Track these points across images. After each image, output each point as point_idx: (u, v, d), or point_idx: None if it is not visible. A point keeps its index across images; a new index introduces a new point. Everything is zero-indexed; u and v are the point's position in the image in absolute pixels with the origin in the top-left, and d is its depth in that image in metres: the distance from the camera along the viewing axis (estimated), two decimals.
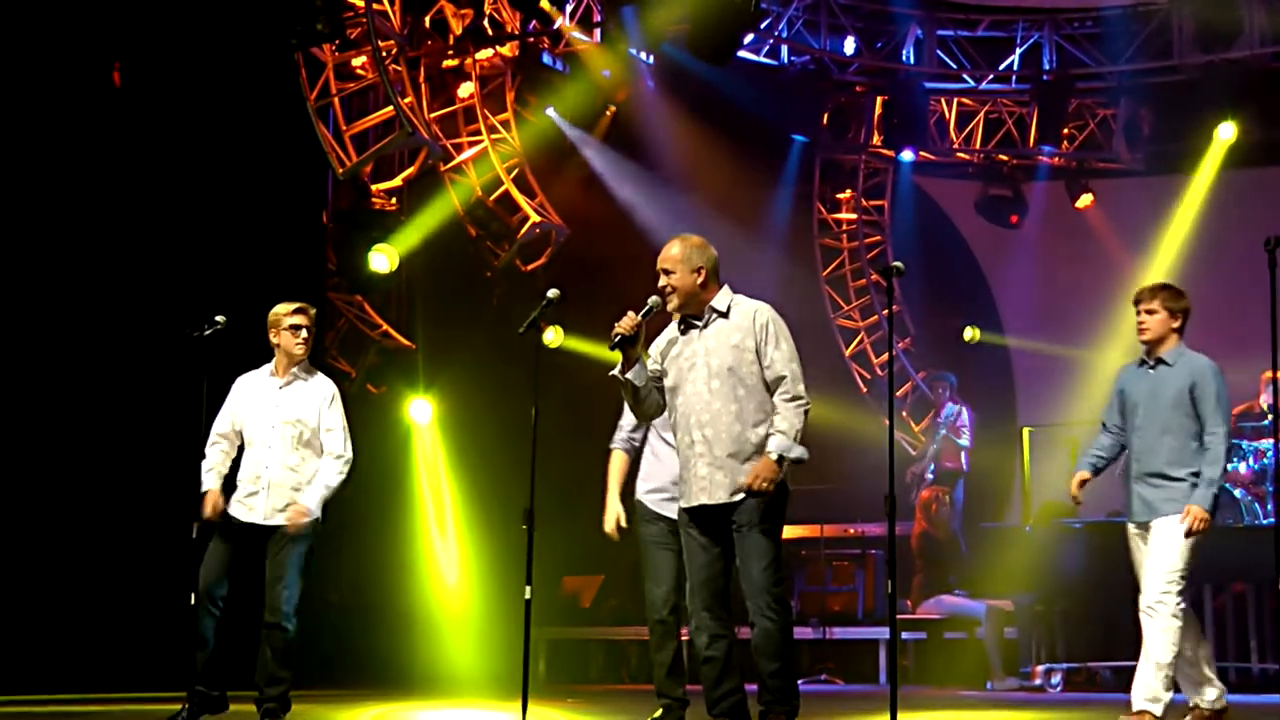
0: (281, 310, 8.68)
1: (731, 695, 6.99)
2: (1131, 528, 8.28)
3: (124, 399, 12.53)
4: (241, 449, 8.72)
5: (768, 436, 6.91)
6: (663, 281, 7.07)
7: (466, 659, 14.69)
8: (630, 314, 7.01)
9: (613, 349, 7.03)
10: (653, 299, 7.12)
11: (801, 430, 6.89)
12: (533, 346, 8.36)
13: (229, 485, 8.66)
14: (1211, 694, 8.24)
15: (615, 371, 7.13)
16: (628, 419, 8.24)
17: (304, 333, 8.64)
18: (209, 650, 8.49)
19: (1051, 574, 13.11)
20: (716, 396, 6.94)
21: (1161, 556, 7.97)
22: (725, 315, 7.06)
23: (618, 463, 8.34)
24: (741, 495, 6.87)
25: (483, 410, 14.87)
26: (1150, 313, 8.18)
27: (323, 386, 8.74)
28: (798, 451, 6.86)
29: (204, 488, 8.65)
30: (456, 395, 15.18)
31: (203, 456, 8.74)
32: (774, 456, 6.83)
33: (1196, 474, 7.98)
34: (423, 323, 15.27)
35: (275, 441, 8.58)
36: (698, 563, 7.04)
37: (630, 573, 9.22)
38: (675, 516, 7.91)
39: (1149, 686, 7.89)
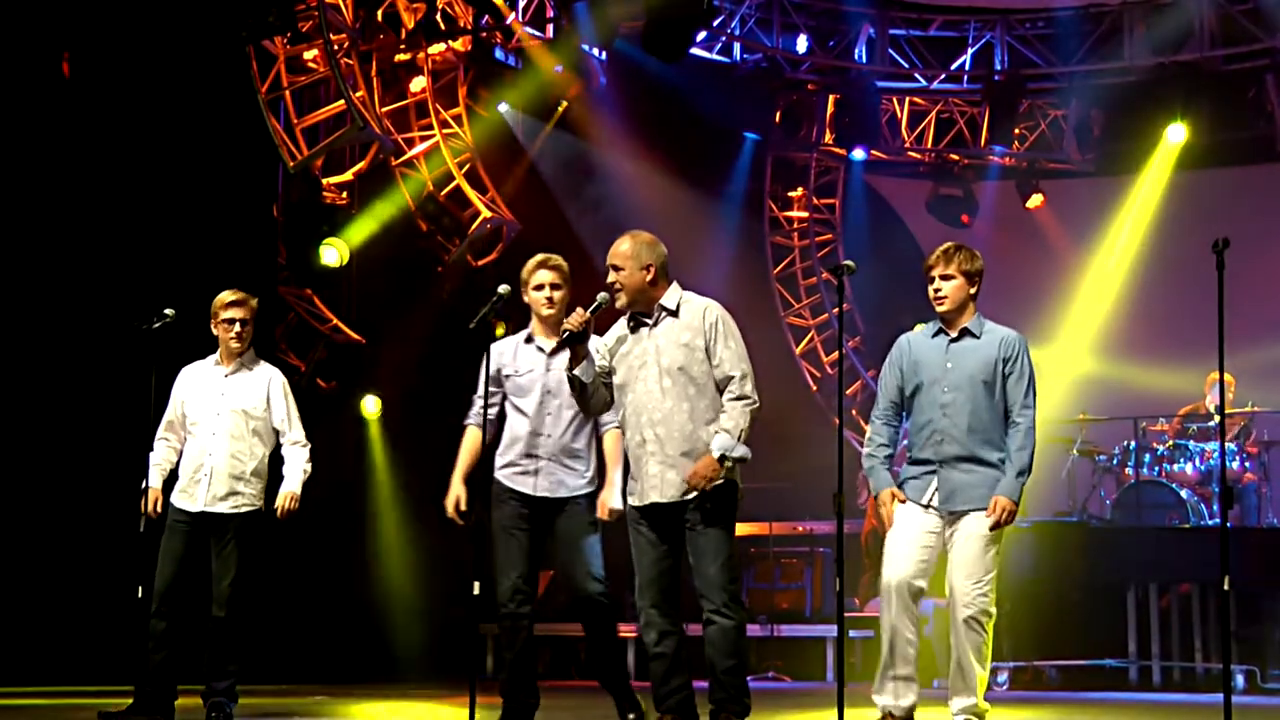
0: (218, 301, 8.61)
1: (679, 692, 6.97)
2: (918, 510, 7.57)
3: (72, 391, 12.45)
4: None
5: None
6: (612, 278, 7.00)
7: (415, 653, 14.66)
8: (579, 310, 6.97)
9: (560, 346, 7.00)
10: (601, 295, 7.06)
11: (747, 430, 6.84)
12: (483, 342, 8.34)
13: (173, 476, 8.62)
14: (912, 699, 7.45)
15: (563, 368, 7.10)
16: (480, 392, 8.00)
17: (237, 326, 8.55)
18: (164, 654, 8.42)
19: (998, 574, 13.10)
20: (668, 395, 6.91)
21: (977, 556, 7.49)
22: (675, 314, 7.01)
23: (470, 440, 7.96)
24: (694, 493, 6.84)
25: (432, 405, 14.81)
26: (947, 279, 7.23)
27: (269, 375, 8.71)
28: (740, 451, 6.81)
29: (147, 483, 8.61)
30: (406, 390, 15.14)
31: (151, 449, 8.69)
32: (716, 455, 6.79)
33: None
34: (373, 317, 15.22)
35: (220, 429, 8.54)
36: (647, 559, 7.01)
37: None
38: (528, 491, 7.67)
39: (974, 698, 7.39)
